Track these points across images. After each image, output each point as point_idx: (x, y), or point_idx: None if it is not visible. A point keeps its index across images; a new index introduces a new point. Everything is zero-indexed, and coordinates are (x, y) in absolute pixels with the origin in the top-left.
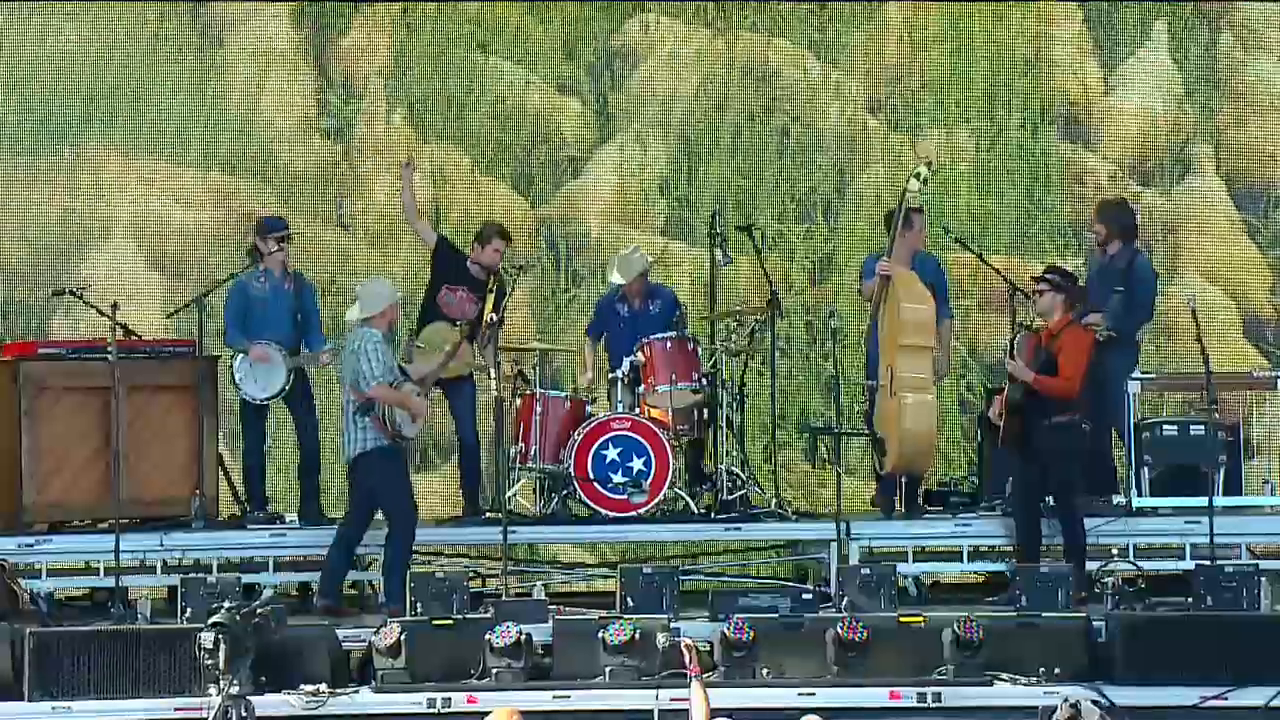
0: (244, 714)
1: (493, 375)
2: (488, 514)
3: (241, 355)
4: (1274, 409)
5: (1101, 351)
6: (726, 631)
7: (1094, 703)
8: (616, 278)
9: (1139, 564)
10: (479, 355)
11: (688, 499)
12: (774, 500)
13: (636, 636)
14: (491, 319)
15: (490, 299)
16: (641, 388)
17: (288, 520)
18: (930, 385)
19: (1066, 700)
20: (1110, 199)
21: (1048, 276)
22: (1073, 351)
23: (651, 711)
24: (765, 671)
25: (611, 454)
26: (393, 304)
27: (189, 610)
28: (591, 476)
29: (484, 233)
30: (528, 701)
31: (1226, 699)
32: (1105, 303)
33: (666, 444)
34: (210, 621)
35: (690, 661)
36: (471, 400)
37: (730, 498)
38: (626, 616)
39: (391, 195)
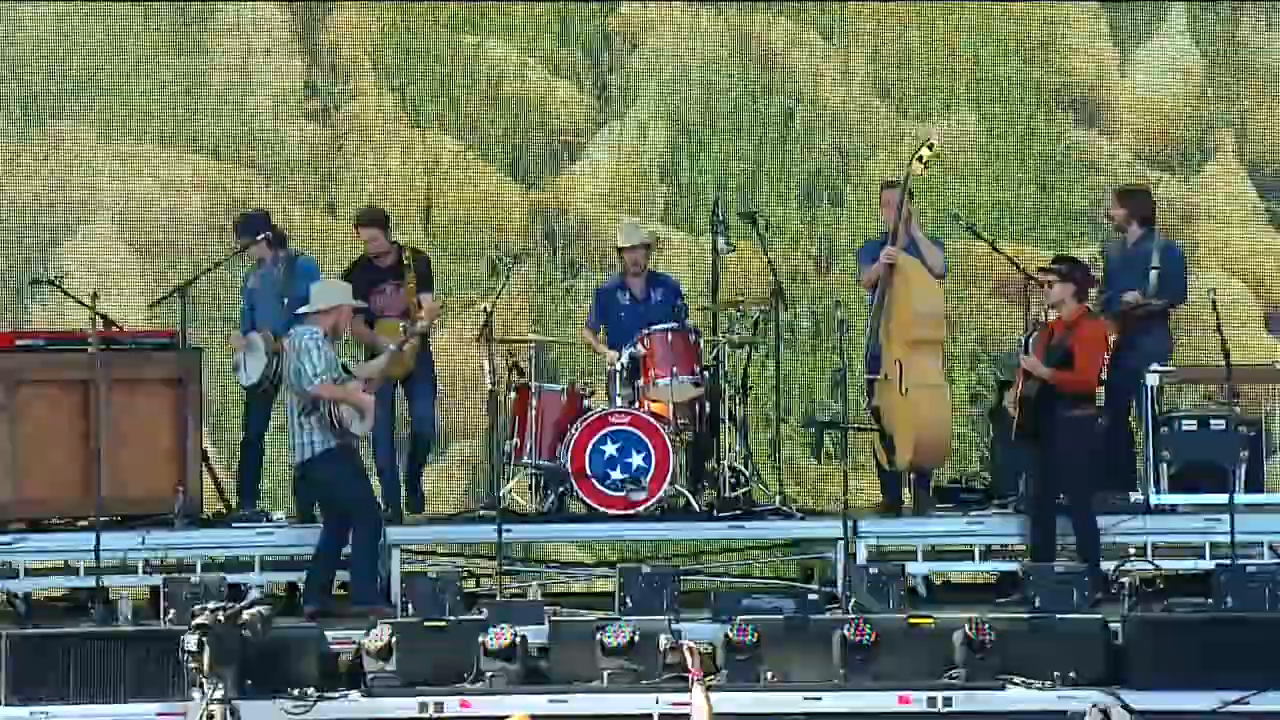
0: (229, 719)
1: (487, 368)
2: (481, 512)
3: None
4: None
5: (1134, 339)
6: (729, 633)
7: (1124, 707)
8: (619, 239)
9: (1157, 563)
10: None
11: (689, 496)
12: (778, 497)
13: (636, 638)
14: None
15: (410, 278)
16: (641, 381)
17: (274, 518)
18: (943, 379)
19: (1095, 705)
20: (1130, 185)
21: (1055, 267)
22: (1089, 344)
23: (651, 716)
24: (769, 675)
25: (610, 449)
26: (340, 306)
27: (172, 611)
28: (589, 473)
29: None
30: (523, 706)
31: (1248, 703)
32: (1133, 287)
33: (667, 439)
34: (194, 623)
35: (692, 665)
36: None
37: (733, 495)
38: (625, 618)
39: (380, 179)
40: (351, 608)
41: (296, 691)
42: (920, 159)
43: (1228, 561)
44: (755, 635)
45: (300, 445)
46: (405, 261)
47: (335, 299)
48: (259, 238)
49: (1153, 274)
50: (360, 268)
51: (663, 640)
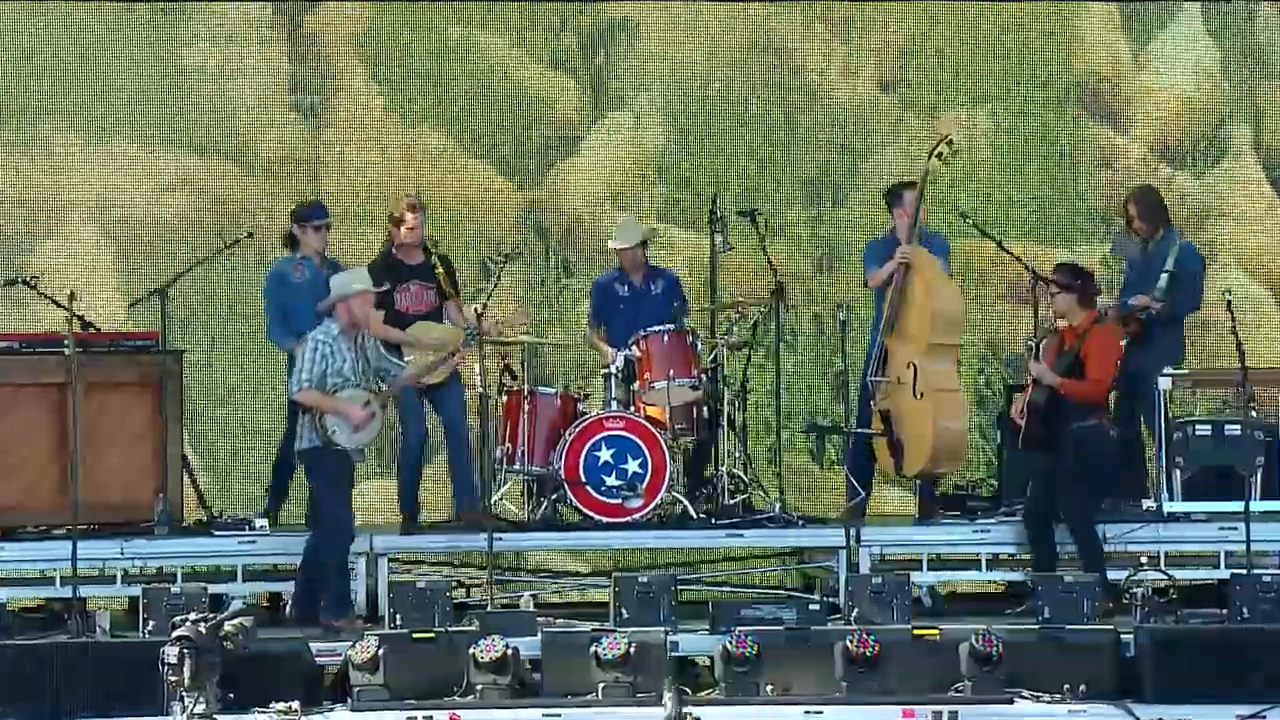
0: None
1: (478, 370)
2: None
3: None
4: None
5: (1145, 342)
6: (728, 645)
7: None
8: (614, 242)
9: (1170, 573)
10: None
11: (686, 503)
12: (778, 504)
13: (632, 650)
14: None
15: (443, 278)
16: (637, 384)
17: (257, 526)
18: (959, 383)
19: None
20: (1139, 190)
21: (1055, 278)
22: (1101, 352)
23: None
24: (769, 688)
25: (605, 455)
26: (354, 296)
27: (151, 623)
28: (584, 479)
29: (393, 214)
30: None
31: (1264, 718)
32: (1151, 288)
33: (664, 444)
34: (174, 635)
35: None
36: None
37: (732, 502)
38: (621, 629)
39: (368, 176)
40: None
41: (281, 705)
42: (939, 155)
43: (1243, 571)
44: (755, 647)
45: (298, 436)
46: (434, 262)
47: (344, 289)
48: (320, 229)
49: (1163, 276)
50: (383, 263)
51: (669, 703)
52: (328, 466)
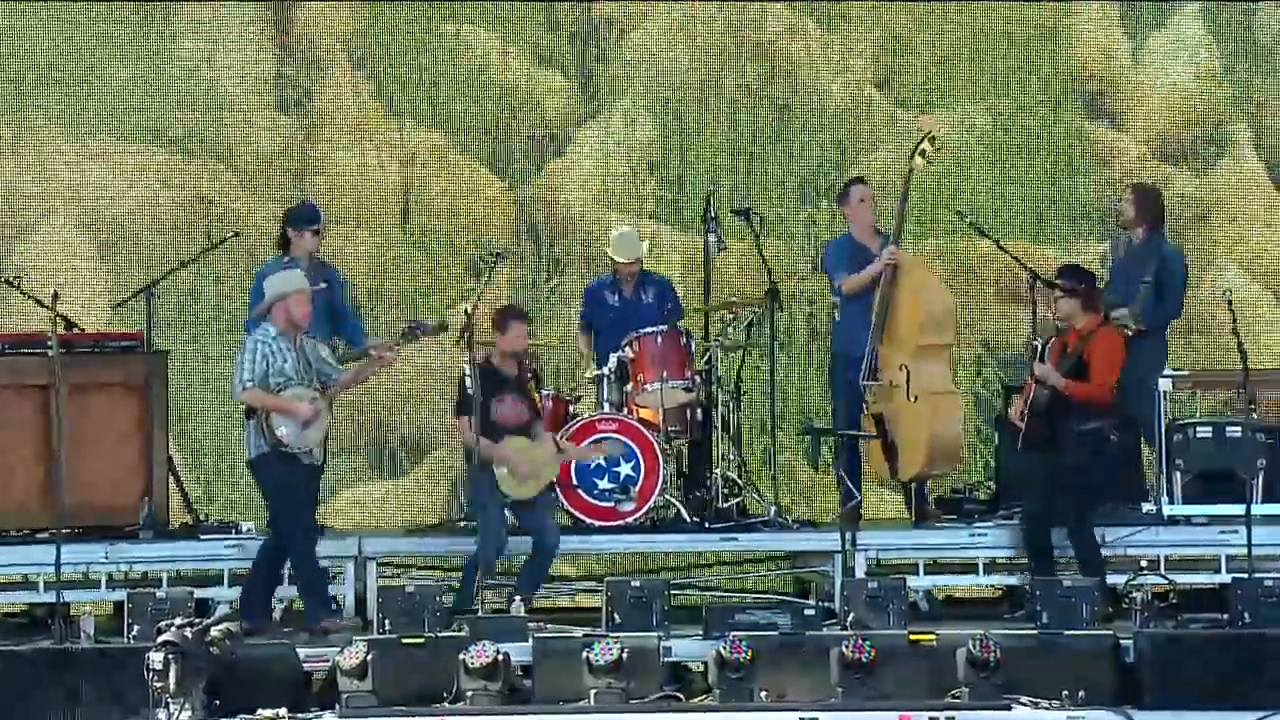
0: None
1: (468, 371)
2: (461, 524)
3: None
4: None
5: (1129, 348)
6: (722, 650)
7: None
8: (613, 252)
9: (1170, 577)
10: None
11: (680, 506)
12: (773, 508)
13: (624, 656)
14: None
15: (534, 392)
16: (630, 386)
17: (244, 530)
18: (953, 384)
19: None
20: (1143, 184)
21: (1059, 282)
22: (1105, 355)
23: None
24: (764, 694)
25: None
26: (287, 296)
27: (136, 628)
28: (575, 482)
29: (499, 320)
30: None
31: None
32: (1132, 295)
33: (657, 447)
34: (159, 640)
35: None
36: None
37: (726, 505)
38: (613, 634)
39: (356, 175)
40: (308, 624)
41: (268, 712)
42: (922, 153)
43: (1244, 575)
44: (749, 652)
45: (245, 445)
46: (528, 376)
47: (278, 290)
48: (315, 233)
49: (1143, 287)
50: (480, 373)
51: None
52: (278, 472)
